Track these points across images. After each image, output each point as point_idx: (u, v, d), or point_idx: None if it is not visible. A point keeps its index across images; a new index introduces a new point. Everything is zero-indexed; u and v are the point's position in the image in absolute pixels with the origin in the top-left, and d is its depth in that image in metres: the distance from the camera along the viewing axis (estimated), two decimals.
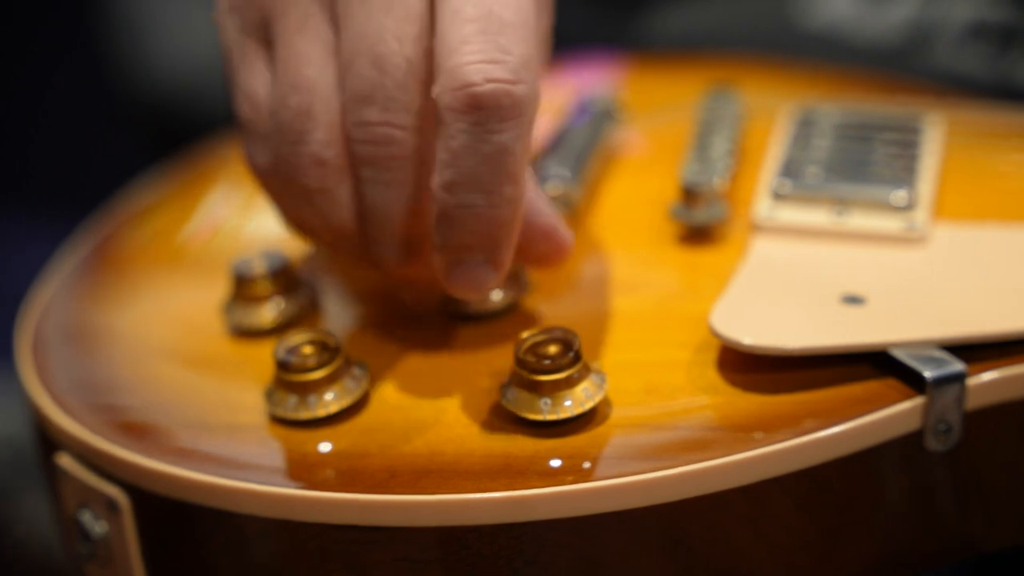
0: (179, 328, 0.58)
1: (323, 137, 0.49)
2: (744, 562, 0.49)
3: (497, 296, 0.54)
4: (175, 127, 0.93)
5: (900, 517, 0.50)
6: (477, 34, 0.46)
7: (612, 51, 0.79)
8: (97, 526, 0.52)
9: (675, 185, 0.59)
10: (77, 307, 0.61)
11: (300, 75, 0.49)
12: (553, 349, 0.49)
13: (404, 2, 0.48)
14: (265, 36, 0.51)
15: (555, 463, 0.47)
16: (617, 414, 0.49)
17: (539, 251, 0.52)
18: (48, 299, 0.61)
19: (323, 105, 0.49)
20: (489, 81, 0.45)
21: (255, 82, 0.51)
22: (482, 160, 0.46)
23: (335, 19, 0.49)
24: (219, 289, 0.58)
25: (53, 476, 0.53)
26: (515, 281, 0.54)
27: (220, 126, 0.76)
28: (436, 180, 0.47)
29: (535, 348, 0.49)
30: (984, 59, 0.77)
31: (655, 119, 0.68)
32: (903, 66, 0.77)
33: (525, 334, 0.49)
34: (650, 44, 0.83)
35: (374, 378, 0.52)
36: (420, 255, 0.51)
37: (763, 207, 0.58)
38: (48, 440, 0.53)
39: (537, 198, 0.52)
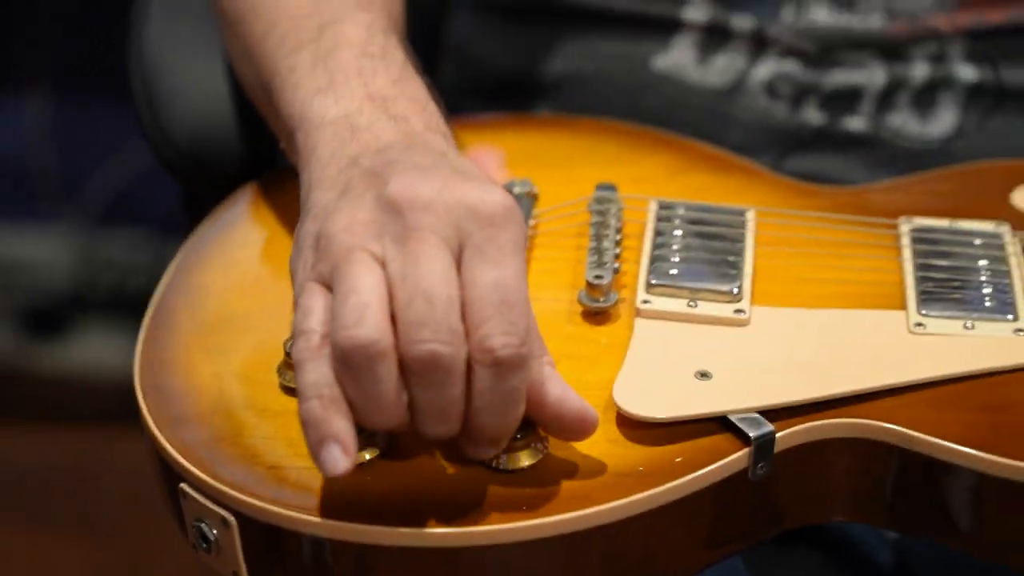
0: (248, 382, 0.82)
1: (380, 324, 0.69)
2: (639, 559, 0.77)
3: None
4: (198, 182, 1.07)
5: (734, 516, 0.79)
6: (496, 315, 0.70)
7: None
8: (212, 533, 0.77)
9: (578, 275, 0.86)
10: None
11: (358, 285, 0.70)
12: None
13: (445, 267, 0.70)
14: (326, 282, 0.72)
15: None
16: (547, 462, 0.76)
17: (572, 430, 0.75)
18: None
19: (377, 306, 0.69)
20: (505, 347, 0.70)
21: (316, 305, 0.72)
22: (499, 395, 0.71)
23: (383, 264, 0.71)
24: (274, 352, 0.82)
25: (176, 495, 0.78)
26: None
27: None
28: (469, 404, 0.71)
29: None
30: (783, 107, 1.04)
31: (556, 212, 0.93)
32: (726, 104, 1.04)
33: None
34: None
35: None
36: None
37: (640, 296, 0.85)
38: (171, 471, 0.79)
39: (566, 392, 0.74)
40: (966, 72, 1.04)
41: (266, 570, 0.77)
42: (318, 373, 0.70)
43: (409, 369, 0.70)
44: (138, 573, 1.83)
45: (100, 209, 2.25)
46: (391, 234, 0.71)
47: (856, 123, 1.04)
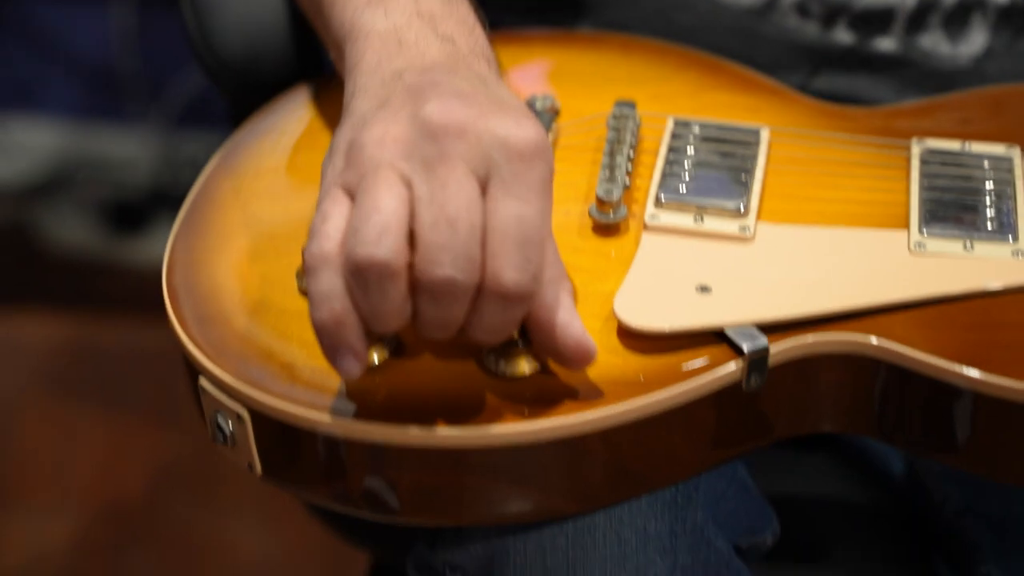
0: (268, 284, 0.86)
1: (396, 247, 0.71)
2: (639, 465, 0.80)
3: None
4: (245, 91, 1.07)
5: (728, 426, 0.82)
6: (514, 250, 0.71)
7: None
8: (228, 426, 0.81)
9: (591, 189, 0.89)
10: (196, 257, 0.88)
11: (381, 204, 0.71)
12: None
13: (470, 195, 0.72)
14: (351, 190, 0.73)
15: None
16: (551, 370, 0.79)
17: (570, 358, 0.76)
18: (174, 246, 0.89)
19: (397, 226, 0.72)
20: (516, 284, 0.72)
21: (337, 212, 0.73)
22: (499, 321, 0.74)
23: (409, 184, 0.73)
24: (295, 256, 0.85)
25: (196, 390, 0.83)
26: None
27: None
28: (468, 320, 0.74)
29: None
30: (814, 27, 1.06)
31: (576, 127, 0.96)
32: (757, 23, 1.06)
33: None
34: None
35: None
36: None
37: (648, 211, 0.88)
38: (192, 367, 0.83)
39: (572, 321, 0.76)
40: None
41: (278, 463, 0.82)
42: (330, 284, 0.73)
43: (421, 288, 0.72)
44: (208, 460, 1.91)
45: (181, 110, 2.31)
46: (421, 156, 0.73)
47: (886, 44, 1.05)
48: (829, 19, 1.05)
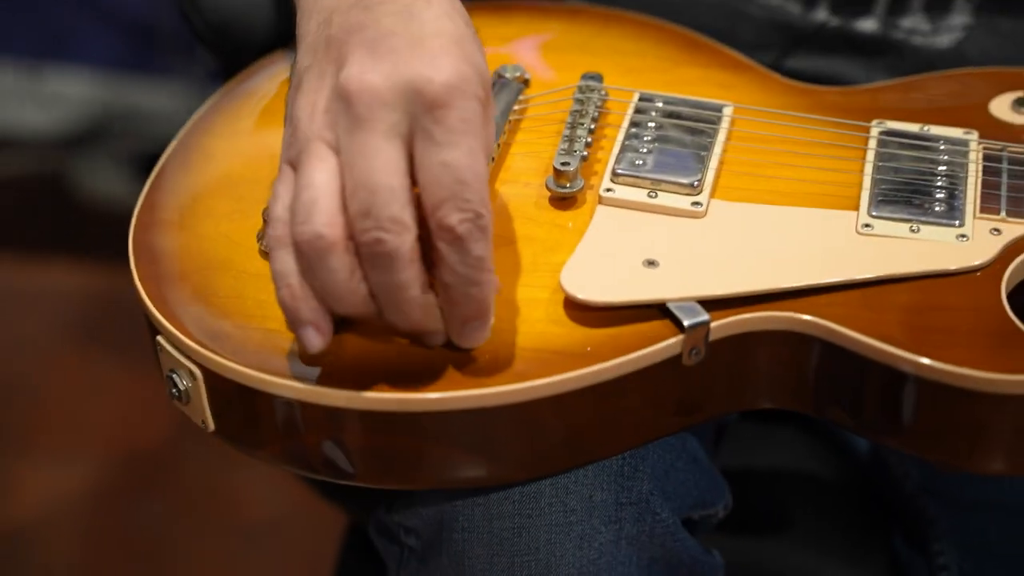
0: (231, 245, 0.88)
1: (326, 219, 0.74)
2: (583, 435, 0.82)
3: None
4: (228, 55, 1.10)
5: (669, 399, 0.84)
6: (449, 196, 0.74)
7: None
8: (182, 384, 0.84)
9: (548, 162, 0.90)
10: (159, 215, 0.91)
11: (312, 180, 0.75)
12: None
13: (392, 157, 0.75)
14: (295, 167, 0.77)
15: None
16: (496, 338, 0.81)
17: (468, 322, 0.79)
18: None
19: (326, 200, 0.75)
20: (462, 223, 0.74)
21: (284, 191, 0.77)
22: (467, 266, 0.75)
23: (341, 162, 0.75)
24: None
25: (155, 347, 0.85)
26: None
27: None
28: (441, 278, 0.76)
29: None
30: (796, 6, 1.06)
31: (544, 99, 0.98)
32: (740, 1, 1.07)
33: None
34: None
35: None
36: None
37: (604, 184, 0.89)
38: (151, 324, 0.85)
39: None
40: None
41: (229, 422, 0.84)
42: (284, 263, 0.77)
43: (361, 256, 0.75)
44: None
45: (215, 65, 2.32)
46: (343, 124, 0.76)
47: (868, 24, 1.06)
48: None
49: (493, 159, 0.91)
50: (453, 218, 0.74)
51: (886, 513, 1.06)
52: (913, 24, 1.05)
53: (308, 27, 0.82)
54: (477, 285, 0.77)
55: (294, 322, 0.77)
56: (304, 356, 0.81)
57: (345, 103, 0.76)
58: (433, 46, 0.77)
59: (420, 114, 0.75)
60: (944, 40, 1.05)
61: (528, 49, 1.02)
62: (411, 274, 0.76)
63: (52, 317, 2.15)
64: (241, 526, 1.88)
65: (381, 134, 0.75)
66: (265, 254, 0.86)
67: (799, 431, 1.10)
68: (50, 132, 2.45)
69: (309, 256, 0.75)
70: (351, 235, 0.75)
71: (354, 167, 0.75)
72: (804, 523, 1.07)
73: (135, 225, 0.90)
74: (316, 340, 0.77)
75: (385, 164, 0.75)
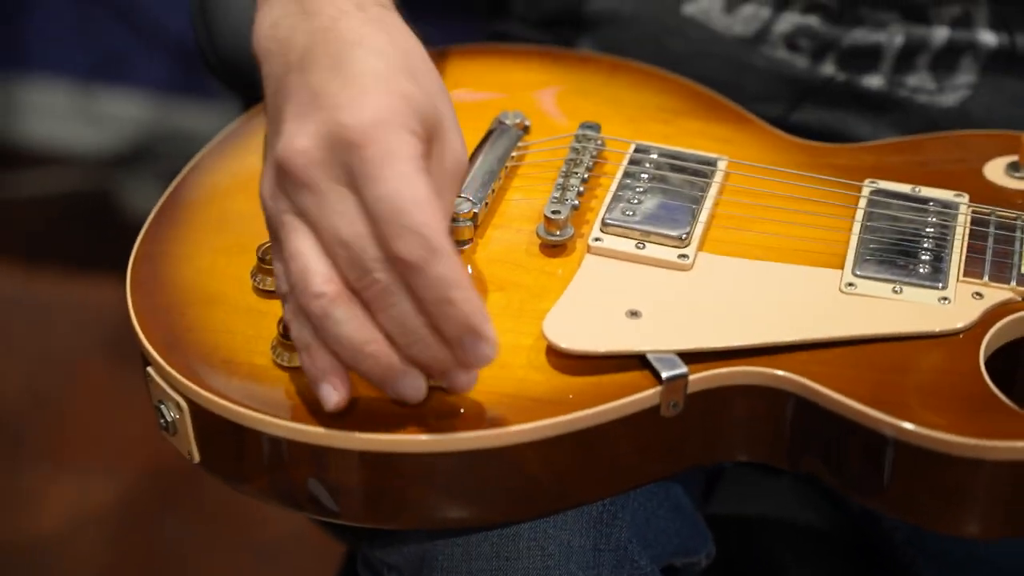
0: (225, 279, 0.90)
1: (320, 279, 0.77)
2: (560, 481, 0.83)
3: None
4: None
5: (647, 449, 0.84)
6: (389, 229, 0.74)
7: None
8: (169, 415, 0.86)
9: (541, 209, 0.92)
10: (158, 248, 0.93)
11: (294, 250, 0.78)
12: None
13: (347, 208, 0.76)
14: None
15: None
16: (478, 384, 0.81)
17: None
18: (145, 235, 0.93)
19: (315, 264, 0.77)
20: (409, 252, 0.74)
21: (280, 268, 0.79)
22: (436, 289, 0.75)
23: (310, 224, 0.78)
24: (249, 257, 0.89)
25: (145, 377, 0.87)
26: None
27: None
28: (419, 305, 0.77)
29: None
30: (803, 60, 1.08)
31: (541, 146, 0.99)
32: (747, 53, 1.08)
33: None
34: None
35: None
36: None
37: (593, 234, 0.90)
38: (142, 355, 0.87)
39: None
40: (987, 37, 1.05)
41: (214, 453, 0.86)
42: (301, 332, 0.79)
43: (366, 303, 0.77)
44: None
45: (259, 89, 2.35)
46: (291, 193, 0.78)
47: (874, 80, 1.07)
48: (818, 53, 1.07)
49: (487, 204, 0.92)
50: (400, 248, 0.75)
51: (873, 565, 1.06)
52: (919, 82, 1.06)
53: (268, 91, 0.84)
54: (450, 304, 0.76)
55: (312, 382, 0.80)
56: (290, 394, 0.82)
57: (284, 174, 0.78)
58: (354, 90, 0.78)
59: (347, 159, 0.77)
60: (949, 99, 1.06)
61: (533, 95, 1.04)
62: (412, 304, 0.77)
63: (84, 332, 2.18)
64: (256, 543, 1.90)
65: (326, 191, 0.77)
66: (259, 290, 0.88)
67: (793, 479, 1.10)
68: (99, 150, 2.49)
69: (318, 316, 0.77)
70: (349, 287, 0.77)
71: (319, 228, 0.77)
72: (794, 572, 1.07)
73: (135, 256, 0.92)
74: (332, 396, 0.79)
75: (342, 216, 0.77)
